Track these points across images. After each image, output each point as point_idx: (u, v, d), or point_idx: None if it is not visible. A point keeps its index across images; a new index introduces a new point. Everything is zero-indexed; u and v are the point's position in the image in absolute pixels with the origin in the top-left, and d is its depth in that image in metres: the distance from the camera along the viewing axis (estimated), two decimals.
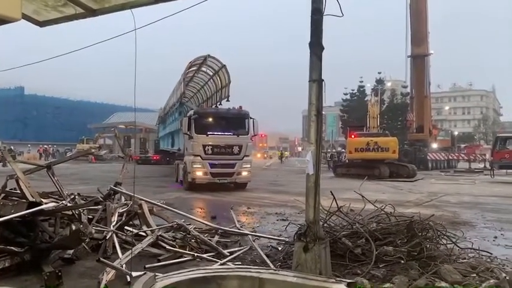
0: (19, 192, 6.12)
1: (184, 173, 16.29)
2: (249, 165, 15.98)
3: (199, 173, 15.15)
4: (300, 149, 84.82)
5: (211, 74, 20.98)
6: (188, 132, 15.32)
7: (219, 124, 15.79)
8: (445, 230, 6.01)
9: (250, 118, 15.81)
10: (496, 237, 7.40)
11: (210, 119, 15.90)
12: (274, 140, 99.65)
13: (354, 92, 62.02)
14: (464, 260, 5.35)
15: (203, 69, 20.71)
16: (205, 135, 15.22)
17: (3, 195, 6.43)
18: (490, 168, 24.55)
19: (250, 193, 14.98)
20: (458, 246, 5.71)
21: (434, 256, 5.19)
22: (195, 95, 25.73)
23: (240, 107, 16.45)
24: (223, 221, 8.17)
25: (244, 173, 15.82)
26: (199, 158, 15.05)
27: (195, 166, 15.11)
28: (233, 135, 15.60)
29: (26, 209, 4.99)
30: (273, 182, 20.86)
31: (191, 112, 16.25)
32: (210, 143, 15.16)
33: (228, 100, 19.60)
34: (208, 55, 18.75)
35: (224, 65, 19.20)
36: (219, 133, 15.60)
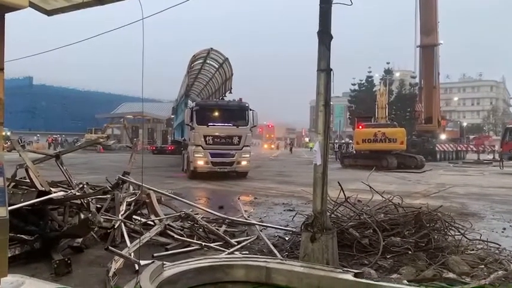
0: (29, 181, 6.19)
1: (187, 162, 16.81)
2: (248, 155, 16.46)
3: (200, 162, 15.66)
4: (307, 139, 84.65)
5: (216, 66, 21.09)
6: (190, 123, 15.85)
7: (219, 115, 16.26)
8: (453, 221, 5.98)
9: (250, 110, 16.21)
10: (504, 228, 7.33)
11: (211, 111, 16.38)
12: (282, 130, 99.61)
13: (362, 82, 61.55)
14: (473, 252, 5.32)
15: (209, 62, 20.84)
16: (205, 126, 15.70)
17: (13, 184, 6.51)
18: (499, 159, 24.40)
19: (256, 183, 15.01)
20: (466, 238, 5.68)
21: (442, 247, 5.17)
22: (204, 87, 25.90)
23: (240, 99, 16.88)
24: (230, 211, 8.22)
25: (244, 163, 16.31)
26: (200, 147, 15.56)
27: (196, 155, 15.65)
28: (233, 126, 16.01)
29: (36, 198, 5.05)
30: (280, 172, 20.86)
31: (193, 104, 16.83)
32: (210, 134, 15.60)
33: (230, 92, 19.73)
34: (211, 48, 18.99)
35: (226, 58, 19.39)
36: (219, 124, 16.00)
